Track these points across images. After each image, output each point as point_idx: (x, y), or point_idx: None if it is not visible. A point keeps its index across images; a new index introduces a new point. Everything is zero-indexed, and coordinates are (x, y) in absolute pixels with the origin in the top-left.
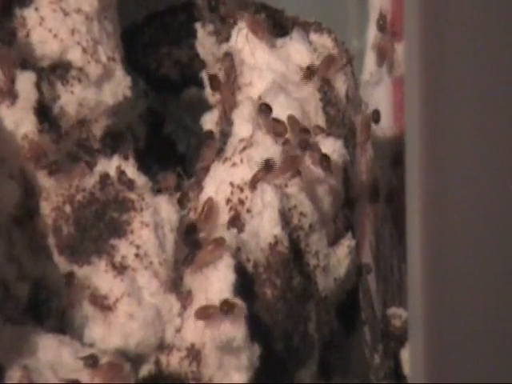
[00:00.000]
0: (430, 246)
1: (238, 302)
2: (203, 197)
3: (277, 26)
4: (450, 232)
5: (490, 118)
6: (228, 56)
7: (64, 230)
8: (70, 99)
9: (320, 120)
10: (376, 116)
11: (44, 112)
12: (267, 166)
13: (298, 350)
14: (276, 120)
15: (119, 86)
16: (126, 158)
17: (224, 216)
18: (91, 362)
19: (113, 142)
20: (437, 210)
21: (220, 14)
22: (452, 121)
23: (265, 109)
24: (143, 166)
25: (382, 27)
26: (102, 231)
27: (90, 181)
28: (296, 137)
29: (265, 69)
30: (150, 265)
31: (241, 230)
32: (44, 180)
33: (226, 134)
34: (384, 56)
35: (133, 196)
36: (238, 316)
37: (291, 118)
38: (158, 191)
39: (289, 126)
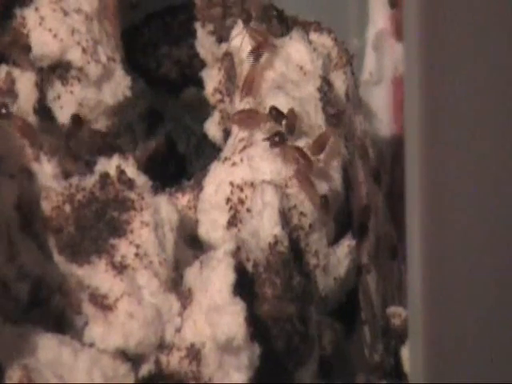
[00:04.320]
0: (429, 245)
1: None
2: (203, 197)
3: (277, 26)
4: (450, 231)
5: (489, 118)
6: (228, 56)
7: (64, 230)
8: (70, 99)
9: (320, 120)
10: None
11: (44, 112)
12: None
13: (297, 349)
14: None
15: (119, 86)
16: (125, 157)
17: (224, 216)
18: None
19: (113, 142)
20: (437, 209)
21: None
22: (452, 121)
23: (276, 115)
24: (143, 166)
25: (393, 3)
26: (102, 231)
27: (90, 180)
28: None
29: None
30: (150, 264)
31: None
32: (44, 179)
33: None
34: (399, 27)
35: (133, 195)
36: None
37: (291, 111)
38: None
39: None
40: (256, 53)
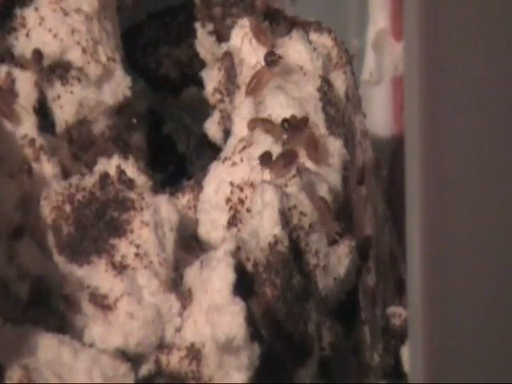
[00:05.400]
0: (429, 245)
1: None
2: (203, 197)
3: (277, 26)
4: (450, 231)
5: (489, 118)
6: (228, 56)
7: (64, 230)
8: (70, 99)
9: (320, 120)
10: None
11: (44, 112)
12: (264, 161)
13: (297, 349)
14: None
15: (119, 86)
16: (125, 157)
17: (224, 216)
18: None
19: (113, 142)
20: (437, 209)
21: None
22: (452, 121)
23: (288, 127)
24: (143, 166)
25: None
26: (102, 231)
27: (90, 180)
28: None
29: None
30: (150, 264)
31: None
32: (43, 178)
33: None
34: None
35: (133, 195)
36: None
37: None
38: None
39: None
40: (273, 56)
